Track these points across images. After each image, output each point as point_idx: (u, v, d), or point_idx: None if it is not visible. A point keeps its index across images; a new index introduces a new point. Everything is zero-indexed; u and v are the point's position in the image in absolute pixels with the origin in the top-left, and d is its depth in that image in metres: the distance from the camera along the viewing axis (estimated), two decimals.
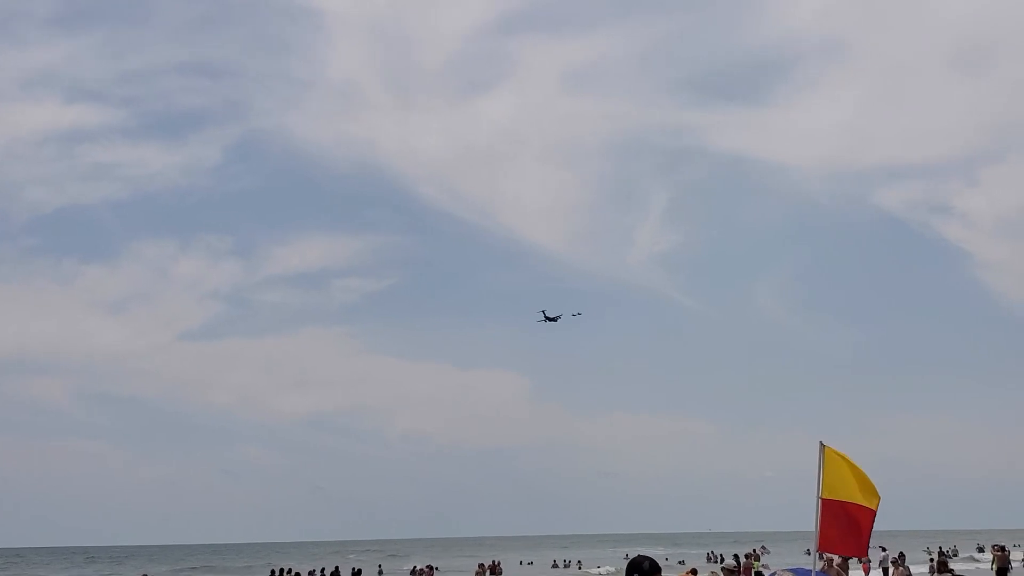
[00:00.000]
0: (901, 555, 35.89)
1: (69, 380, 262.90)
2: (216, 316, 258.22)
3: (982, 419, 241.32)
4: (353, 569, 52.07)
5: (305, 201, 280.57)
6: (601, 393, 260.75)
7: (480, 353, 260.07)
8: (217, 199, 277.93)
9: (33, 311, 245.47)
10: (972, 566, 54.03)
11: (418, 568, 73.70)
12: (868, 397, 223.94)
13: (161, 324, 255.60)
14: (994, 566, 37.94)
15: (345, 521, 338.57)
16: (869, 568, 45.03)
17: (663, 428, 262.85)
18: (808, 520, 13.14)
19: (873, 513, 12.80)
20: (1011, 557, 40.19)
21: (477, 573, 51.86)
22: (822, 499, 12.93)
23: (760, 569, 32.77)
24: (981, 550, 78.94)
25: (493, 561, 59.21)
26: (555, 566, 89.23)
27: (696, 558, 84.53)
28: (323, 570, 58.23)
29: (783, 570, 12.96)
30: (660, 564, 6.61)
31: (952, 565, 32.94)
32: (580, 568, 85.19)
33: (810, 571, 14.41)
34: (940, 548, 72.81)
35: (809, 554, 14.61)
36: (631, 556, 6.58)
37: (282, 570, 53.16)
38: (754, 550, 55.49)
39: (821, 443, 13.10)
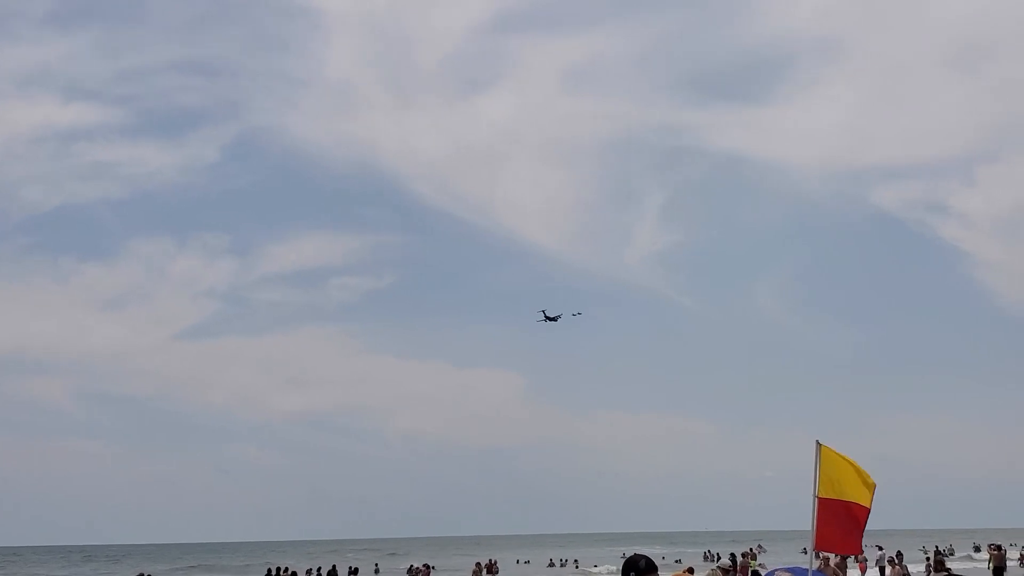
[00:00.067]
0: (899, 554, 35.90)
1: (66, 379, 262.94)
2: (213, 315, 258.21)
3: (979, 418, 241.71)
4: (350, 568, 52.01)
5: (303, 200, 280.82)
6: (599, 392, 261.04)
7: (478, 352, 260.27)
8: (214, 198, 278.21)
9: (30, 310, 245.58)
10: (969, 565, 54.10)
11: (415, 567, 73.66)
12: (866, 396, 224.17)
13: (158, 323, 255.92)
14: (991, 565, 38.00)
15: (342, 520, 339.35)
16: (866, 567, 45.10)
17: (661, 427, 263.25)
18: (806, 519, 13.13)
19: (867, 511, 12.79)
20: (1007, 556, 40.23)
21: (474, 572, 51.80)
22: (819, 498, 12.91)
23: (757, 568, 32.73)
24: (978, 549, 79.03)
25: (490, 560, 59.21)
26: (551, 565, 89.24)
27: (693, 557, 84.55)
28: (319, 569, 58.15)
29: (781, 569, 12.92)
30: (657, 563, 6.59)
31: (949, 564, 32.94)
32: (577, 567, 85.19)
33: (807, 570, 14.40)
34: (936, 547, 72.90)
35: (805, 553, 14.60)
36: (628, 555, 6.57)
37: (279, 569, 53.12)
38: (751, 549, 55.51)
39: (818, 442, 13.08)
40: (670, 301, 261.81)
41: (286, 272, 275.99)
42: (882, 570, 43.97)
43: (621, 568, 6.39)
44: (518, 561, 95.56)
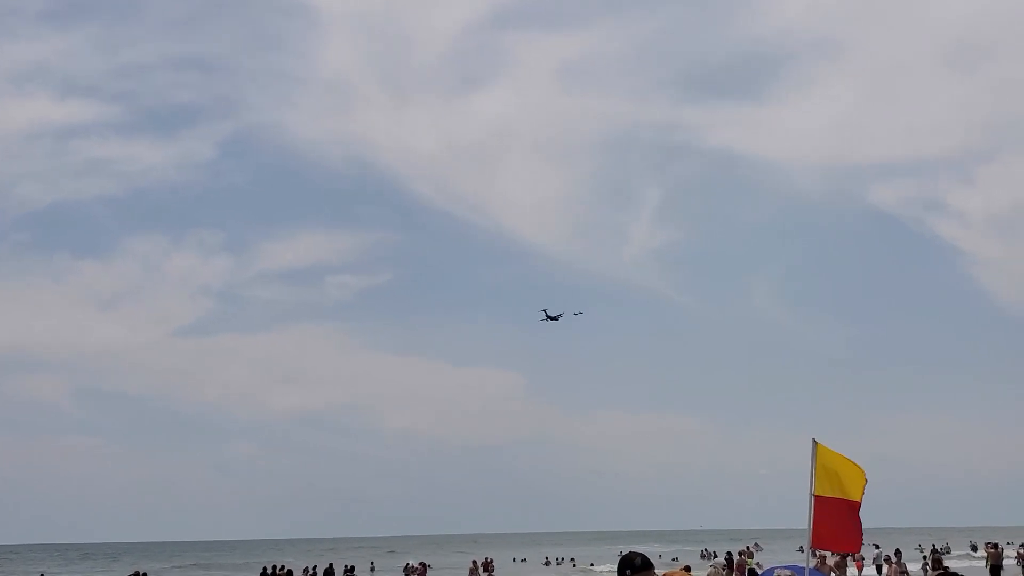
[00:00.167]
0: (897, 552, 35.93)
1: (62, 377, 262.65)
2: (209, 312, 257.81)
3: (976, 417, 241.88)
4: (346, 566, 51.96)
5: (299, 197, 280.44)
6: (596, 391, 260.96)
7: (474, 350, 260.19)
8: (210, 195, 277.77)
9: (26, 308, 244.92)
10: (966, 564, 54.09)
11: (411, 565, 73.64)
12: (863, 395, 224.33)
13: (154, 320, 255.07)
14: (987, 563, 38.00)
15: (340, 518, 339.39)
16: (863, 566, 45.10)
17: (658, 425, 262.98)
18: (802, 517, 13.09)
19: (857, 506, 12.78)
20: (1004, 554, 40.26)
21: (471, 570, 51.74)
22: (815, 496, 12.88)
23: (753, 566, 32.72)
24: (974, 548, 79.05)
25: (486, 558, 59.18)
26: (547, 563, 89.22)
27: (691, 555, 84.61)
28: (315, 567, 58.10)
29: (781, 568, 12.89)
30: (654, 561, 6.54)
31: (946, 563, 32.95)
32: (575, 565, 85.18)
33: (813, 569, 14.38)
34: (933, 546, 72.92)
35: (802, 551, 14.57)
36: (624, 553, 6.52)
37: (275, 567, 53.04)
38: (747, 547, 55.54)
39: (813, 440, 13.05)
40: (667, 299, 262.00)
41: (282, 270, 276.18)
42: (879, 568, 43.99)
43: (617, 566, 6.34)
44: (514, 559, 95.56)
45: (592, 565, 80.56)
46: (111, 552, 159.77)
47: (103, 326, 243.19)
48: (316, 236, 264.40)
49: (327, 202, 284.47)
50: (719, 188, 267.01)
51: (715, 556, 54.67)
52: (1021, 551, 46.31)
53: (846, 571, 35.56)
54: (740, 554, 41.64)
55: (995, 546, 39.87)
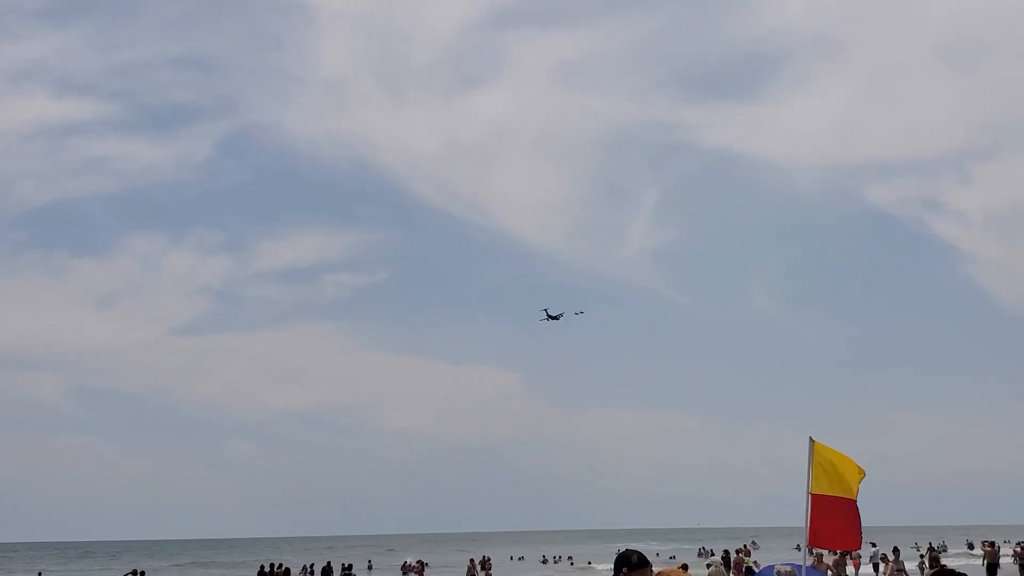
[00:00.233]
0: (896, 550, 35.93)
1: (60, 375, 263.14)
2: (207, 311, 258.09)
3: (974, 416, 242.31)
4: (343, 564, 51.95)
5: (296, 196, 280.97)
6: (594, 389, 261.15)
7: (472, 349, 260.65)
8: (208, 194, 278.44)
9: (23, 306, 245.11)
10: (963, 562, 54.15)
11: (409, 563, 73.64)
12: (861, 394, 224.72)
13: (152, 318, 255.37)
14: (984, 562, 38.06)
15: (337, 516, 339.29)
16: (860, 564, 45.16)
17: (656, 425, 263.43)
18: (800, 516, 13.14)
19: (854, 503, 12.82)
20: (1001, 553, 40.31)
21: (468, 569, 51.77)
22: (812, 494, 12.93)
23: (750, 564, 32.81)
24: (971, 546, 79.14)
25: (484, 557, 59.19)
26: (544, 561, 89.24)
27: (688, 553, 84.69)
28: (312, 565, 58.13)
29: (782, 564, 12.93)
30: (652, 559, 6.57)
31: (943, 561, 33.00)
32: (572, 564, 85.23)
33: (810, 568, 14.42)
34: (930, 544, 73.00)
35: (799, 549, 14.62)
36: (621, 550, 6.56)
37: (272, 565, 53.03)
38: (744, 545, 55.62)
39: (810, 438, 13.10)
40: (665, 298, 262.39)
41: (280, 268, 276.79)
42: (876, 567, 44.04)
43: (613, 564, 6.37)
44: (512, 558, 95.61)
45: (590, 563, 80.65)
46: (110, 551, 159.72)
47: (101, 325, 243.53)
48: (314, 235, 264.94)
49: (326, 201, 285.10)
50: (718, 188, 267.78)
51: (712, 554, 54.71)
52: (1017, 549, 46.38)
53: (845, 569, 35.61)
54: (737, 552, 41.73)
55: (992, 544, 39.94)
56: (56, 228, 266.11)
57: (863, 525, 13.06)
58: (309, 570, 57.93)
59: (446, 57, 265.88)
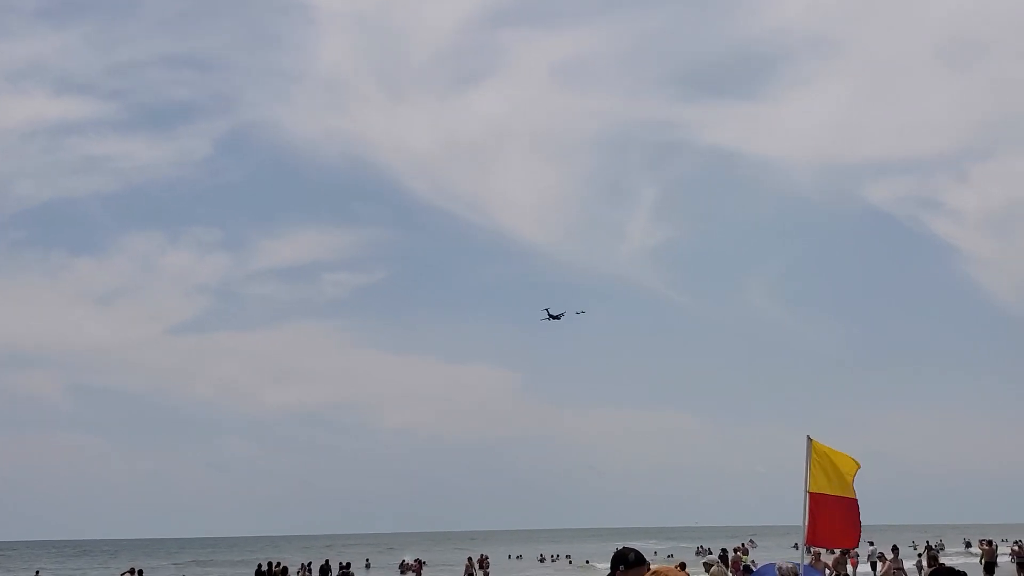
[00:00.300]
0: (895, 548, 35.98)
1: (58, 373, 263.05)
2: (205, 309, 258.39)
3: (971, 414, 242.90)
4: (340, 563, 51.90)
5: (294, 194, 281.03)
6: (591, 388, 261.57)
7: (469, 348, 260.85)
8: (206, 192, 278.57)
9: (21, 304, 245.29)
10: (961, 561, 54.19)
11: (407, 562, 73.63)
12: (858, 392, 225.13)
13: (150, 317, 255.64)
14: (982, 560, 38.06)
15: (336, 515, 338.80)
16: (857, 562, 45.16)
17: (654, 423, 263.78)
18: (797, 514, 13.14)
19: (855, 502, 12.82)
20: (998, 551, 40.32)
21: (466, 567, 51.75)
22: (809, 493, 12.93)
23: (748, 563, 32.76)
24: (968, 545, 79.19)
25: (481, 555, 59.21)
26: (542, 560, 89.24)
27: (687, 552, 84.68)
28: (310, 564, 58.07)
29: (784, 562, 12.92)
30: (650, 558, 6.57)
31: (940, 559, 33.02)
32: (570, 563, 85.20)
33: (808, 566, 14.42)
34: (927, 542, 73.06)
35: (797, 548, 14.63)
36: (618, 548, 6.58)
37: (270, 563, 52.93)
38: (742, 544, 55.63)
39: (808, 437, 13.10)
40: (663, 297, 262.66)
41: (278, 267, 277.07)
42: (873, 566, 44.07)
43: (610, 561, 6.38)
44: (510, 556, 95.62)
45: (588, 562, 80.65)
46: (108, 549, 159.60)
47: (100, 323, 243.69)
48: (313, 234, 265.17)
49: (324, 200, 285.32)
50: (716, 187, 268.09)
51: (709, 552, 54.66)
52: (1015, 548, 46.39)
53: (846, 567, 35.57)
54: (735, 551, 41.71)
55: (989, 543, 39.94)
56: (54, 227, 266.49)
57: (862, 523, 13.06)
58: (307, 568, 57.85)
59: (445, 56, 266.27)
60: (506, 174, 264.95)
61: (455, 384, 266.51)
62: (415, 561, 70.87)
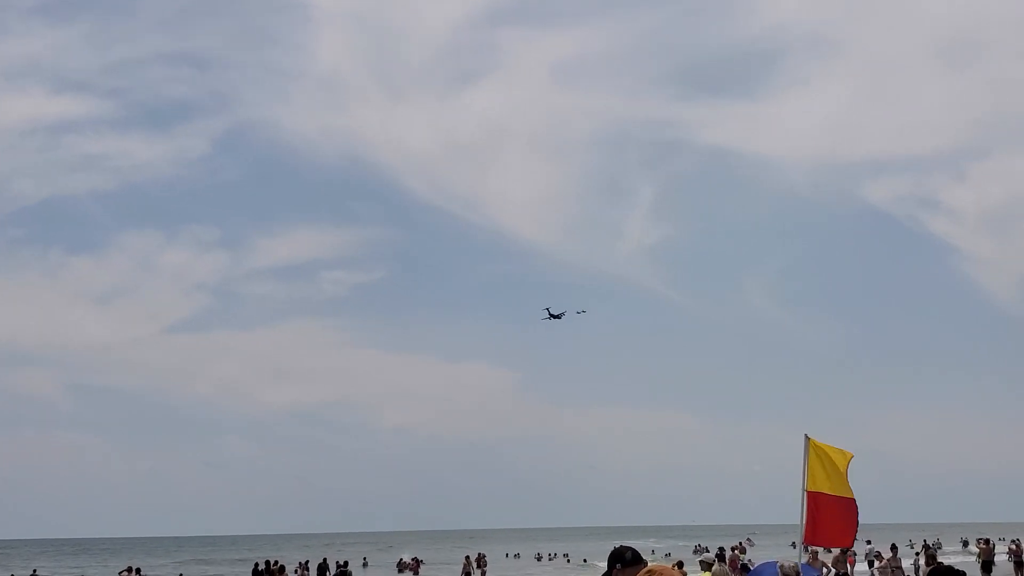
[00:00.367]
0: (893, 547, 36.09)
1: (55, 372, 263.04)
2: (203, 308, 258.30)
3: (968, 413, 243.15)
4: (337, 562, 51.87)
5: (292, 193, 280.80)
6: (589, 387, 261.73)
7: (467, 346, 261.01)
8: (204, 190, 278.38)
9: (19, 303, 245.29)
10: (958, 559, 54.25)
11: (404, 560, 73.64)
12: (855, 391, 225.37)
13: (148, 316, 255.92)
14: (979, 559, 38.09)
15: (335, 514, 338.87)
16: (855, 561, 45.20)
17: (652, 422, 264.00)
18: (794, 513, 13.13)
19: (853, 503, 12.81)
20: (996, 550, 40.35)
21: (464, 566, 51.77)
22: (807, 491, 12.92)
23: (745, 562, 32.79)
24: (965, 544, 79.25)
25: (479, 554, 59.19)
26: (539, 559, 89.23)
27: (684, 550, 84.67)
28: (307, 563, 58.00)
29: (786, 560, 12.92)
30: (647, 556, 6.57)
31: (939, 558, 33.04)
32: (568, 561, 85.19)
33: (806, 565, 14.42)
34: (925, 541, 73.07)
35: (795, 547, 14.63)
36: (616, 547, 6.57)
37: (268, 562, 52.89)
38: (740, 543, 55.64)
39: (806, 436, 13.09)
40: (660, 296, 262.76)
41: (276, 266, 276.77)
42: (871, 564, 44.07)
43: (607, 559, 6.37)
44: (508, 555, 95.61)
45: (585, 561, 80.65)
46: (108, 547, 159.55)
47: (98, 322, 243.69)
48: (310, 232, 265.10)
49: (321, 198, 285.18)
50: (714, 185, 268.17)
51: (706, 551, 54.64)
52: (1013, 547, 46.42)
53: (846, 565, 35.62)
54: (733, 549, 41.70)
55: (987, 542, 39.97)
56: (52, 225, 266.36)
57: (859, 522, 13.06)
58: (304, 567, 57.78)
59: (442, 54, 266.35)
60: (504, 173, 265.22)
61: (454, 383, 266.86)
62: (413, 560, 70.89)
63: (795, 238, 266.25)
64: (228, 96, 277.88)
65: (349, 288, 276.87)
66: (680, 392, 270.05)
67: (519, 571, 75.34)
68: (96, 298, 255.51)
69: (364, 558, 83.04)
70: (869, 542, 49.77)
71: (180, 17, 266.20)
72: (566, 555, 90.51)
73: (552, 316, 73.00)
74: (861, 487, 12.88)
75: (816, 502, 12.88)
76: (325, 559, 56.26)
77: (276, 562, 53.03)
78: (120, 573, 48.12)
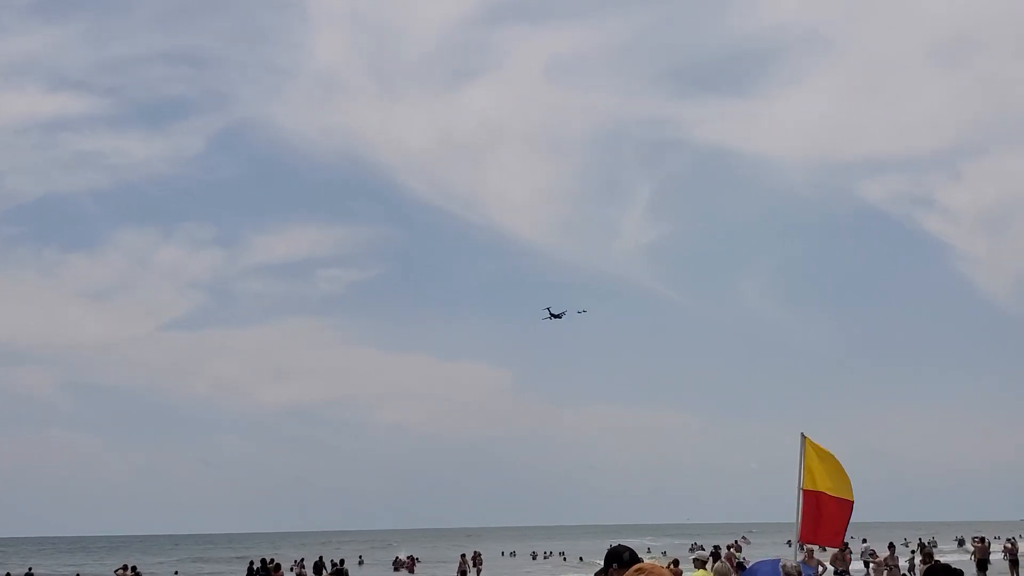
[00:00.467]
0: (891, 545, 36.21)
1: (51, 370, 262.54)
2: (198, 306, 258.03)
3: (964, 412, 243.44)
4: (333, 561, 51.88)
5: (288, 191, 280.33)
6: (585, 385, 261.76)
7: (463, 345, 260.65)
8: (200, 188, 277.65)
9: (14, 300, 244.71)
10: (953, 558, 54.36)
11: (400, 559, 73.72)
12: (852, 389, 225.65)
13: (143, 314, 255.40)
14: (974, 558, 38.16)
15: (331, 512, 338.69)
16: (851, 559, 45.25)
17: (649, 421, 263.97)
18: (791, 512, 13.16)
19: (851, 505, 12.84)
20: (991, 549, 40.45)
21: (459, 564, 51.79)
22: (803, 490, 12.95)
23: (741, 560, 32.82)
24: (961, 543, 79.40)
25: (475, 552, 59.20)
26: (535, 557, 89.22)
27: (681, 549, 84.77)
28: (303, 561, 58.00)
29: (789, 561, 12.95)
30: (644, 555, 6.57)
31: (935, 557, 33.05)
32: (564, 559, 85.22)
33: (802, 563, 14.45)
34: (920, 539, 73.20)
35: (790, 545, 14.65)
36: (612, 546, 6.56)
37: (264, 560, 52.91)
38: (735, 541, 55.66)
39: (803, 435, 13.12)
40: (657, 294, 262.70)
41: (272, 264, 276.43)
42: (866, 564, 44.13)
43: (604, 559, 6.37)
44: (503, 553, 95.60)
45: (582, 559, 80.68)
46: (105, 545, 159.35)
47: (93, 320, 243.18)
48: (306, 230, 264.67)
49: (317, 196, 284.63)
50: (709, 184, 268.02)
51: (702, 549, 54.65)
52: (1008, 545, 46.56)
53: (845, 562, 35.62)
54: (728, 548, 41.71)
55: (982, 540, 40.05)
56: (48, 223, 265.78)
57: (854, 520, 13.10)
58: (300, 565, 57.79)
59: (439, 52, 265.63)
60: (500, 171, 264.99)
61: (450, 382, 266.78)
62: (408, 558, 71.03)
63: (791, 237, 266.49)
64: (225, 94, 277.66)
65: (346, 286, 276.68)
66: (677, 391, 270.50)
67: (515, 569, 75.34)
68: (92, 296, 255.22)
69: (360, 556, 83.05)
70: (865, 540, 49.87)
71: (177, 15, 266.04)
72: (562, 553, 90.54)
73: (553, 316, 72.94)
74: (857, 485, 12.93)
75: (815, 501, 12.91)
76: (321, 557, 56.26)
77: (272, 560, 53.09)
78: (116, 571, 48.08)
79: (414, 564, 68.34)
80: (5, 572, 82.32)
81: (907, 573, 41.97)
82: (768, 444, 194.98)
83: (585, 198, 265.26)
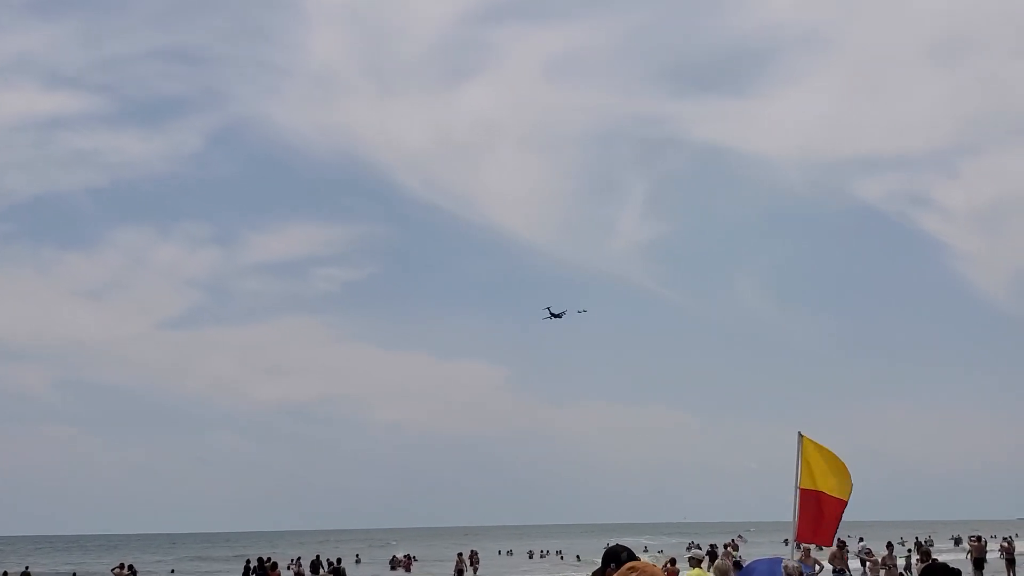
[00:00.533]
0: (889, 544, 36.20)
1: (47, 368, 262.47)
2: (195, 304, 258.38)
3: (960, 410, 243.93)
4: (330, 560, 51.87)
5: (285, 189, 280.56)
6: (582, 384, 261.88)
7: (459, 343, 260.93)
8: (196, 186, 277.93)
9: (10, 298, 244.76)
10: (950, 557, 54.42)
11: (397, 557, 73.69)
12: (847, 387, 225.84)
13: (140, 312, 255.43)
14: (970, 556, 38.17)
15: (328, 511, 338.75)
16: (848, 557, 45.28)
17: (645, 419, 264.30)
18: (788, 511, 13.18)
19: (843, 504, 12.86)
20: (987, 548, 40.46)
21: (456, 563, 51.81)
22: (800, 489, 12.97)
23: (738, 559, 32.84)
24: (958, 541, 79.48)
25: (471, 551, 59.22)
26: (531, 556, 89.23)
27: (678, 548, 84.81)
28: (299, 559, 58.00)
29: (790, 561, 12.96)
30: (641, 554, 6.57)
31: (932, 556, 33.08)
32: (562, 558, 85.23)
33: (800, 562, 14.46)
34: (916, 538, 73.30)
35: (787, 544, 14.67)
36: (610, 545, 6.57)
37: (260, 559, 52.88)
38: (732, 540, 55.73)
39: (800, 433, 13.14)
40: (654, 293, 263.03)
41: (268, 262, 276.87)
42: (862, 563, 44.18)
43: (602, 559, 6.38)
44: (500, 552, 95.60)
45: (579, 558, 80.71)
46: (103, 544, 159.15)
47: (89, 318, 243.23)
48: (303, 228, 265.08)
49: (315, 195, 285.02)
50: (705, 182, 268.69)
51: (698, 548, 54.71)
52: (1004, 544, 46.57)
53: (843, 561, 35.64)
54: (725, 547, 41.76)
55: (979, 539, 40.07)
56: (44, 221, 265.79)
57: (850, 519, 13.12)
58: (297, 564, 57.80)
59: (436, 51, 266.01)
60: (497, 170, 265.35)
61: (446, 380, 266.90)
62: (405, 557, 71.02)
63: (787, 235, 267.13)
64: (221, 92, 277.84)
65: (342, 284, 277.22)
66: (674, 389, 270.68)
67: (512, 568, 75.31)
68: (88, 294, 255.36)
69: (357, 555, 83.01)
70: (862, 539, 49.88)
71: (173, 13, 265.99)
72: (559, 552, 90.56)
73: (553, 315, 72.89)
74: (854, 484, 12.93)
75: (815, 500, 12.92)
76: (318, 556, 56.26)
77: (269, 559, 53.07)
78: (114, 570, 48.04)
79: (411, 563, 68.31)
80: (2, 571, 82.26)
81: (904, 572, 41.99)
82: (766, 443, 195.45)
83: (582, 197, 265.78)
